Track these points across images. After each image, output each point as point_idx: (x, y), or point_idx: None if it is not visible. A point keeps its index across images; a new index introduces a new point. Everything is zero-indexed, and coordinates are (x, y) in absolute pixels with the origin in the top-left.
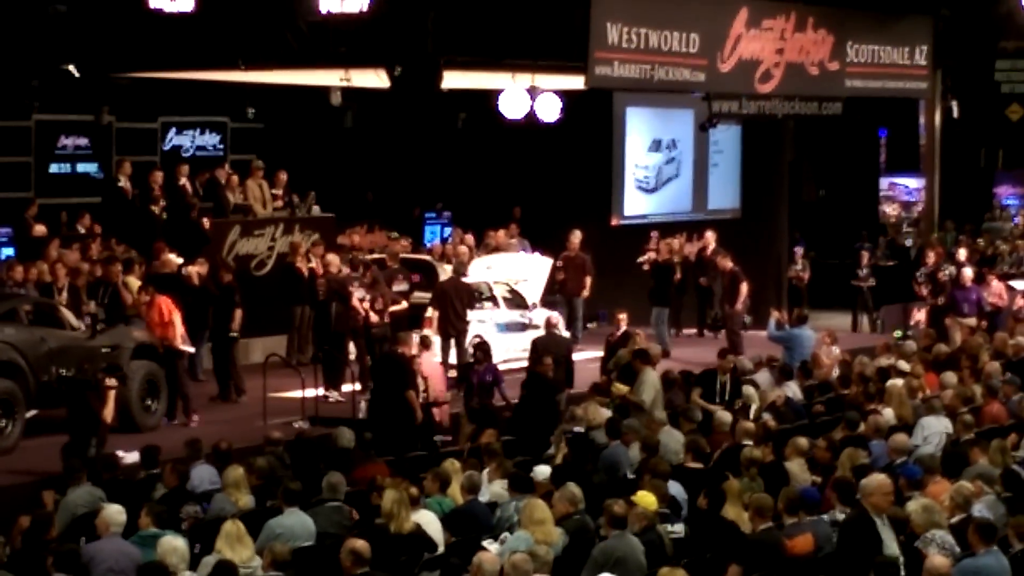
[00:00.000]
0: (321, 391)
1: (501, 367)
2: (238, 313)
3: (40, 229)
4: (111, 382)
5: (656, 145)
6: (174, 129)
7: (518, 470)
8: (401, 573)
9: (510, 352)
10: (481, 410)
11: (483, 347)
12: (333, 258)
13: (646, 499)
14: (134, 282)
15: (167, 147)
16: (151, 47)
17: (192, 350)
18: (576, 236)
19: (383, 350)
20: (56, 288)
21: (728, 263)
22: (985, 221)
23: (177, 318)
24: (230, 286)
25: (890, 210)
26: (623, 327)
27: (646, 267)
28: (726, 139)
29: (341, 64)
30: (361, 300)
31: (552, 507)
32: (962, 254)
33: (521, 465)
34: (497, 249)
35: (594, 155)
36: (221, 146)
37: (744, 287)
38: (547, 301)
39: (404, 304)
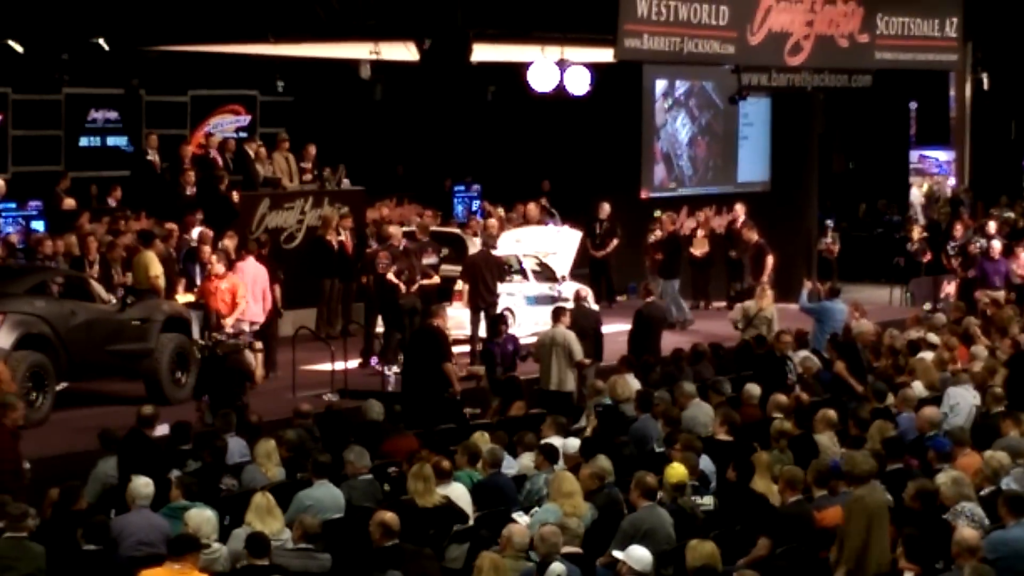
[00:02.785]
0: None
1: (530, 340)
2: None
3: (70, 202)
4: (258, 346)
5: (685, 117)
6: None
7: (547, 443)
8: (430, 545)
9: (539, 325)
10: (504, 382)
11: (501, 318)
12: (396, 231)
13: (678, 471)
14: (153, 256)
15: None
16: (181, 20)
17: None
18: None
19: (413, 323)
20: (87, 261)
21: (754, 235)
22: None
23: (242, 304)
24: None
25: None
26: (653, 299)
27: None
28: (756, 112)
29: (371, 37)
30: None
31: (581, 480)
32: (992, 227)
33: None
34: (526, 222)
35: (623, 128)
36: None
37: (770, 260)
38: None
39: (436, 279)
